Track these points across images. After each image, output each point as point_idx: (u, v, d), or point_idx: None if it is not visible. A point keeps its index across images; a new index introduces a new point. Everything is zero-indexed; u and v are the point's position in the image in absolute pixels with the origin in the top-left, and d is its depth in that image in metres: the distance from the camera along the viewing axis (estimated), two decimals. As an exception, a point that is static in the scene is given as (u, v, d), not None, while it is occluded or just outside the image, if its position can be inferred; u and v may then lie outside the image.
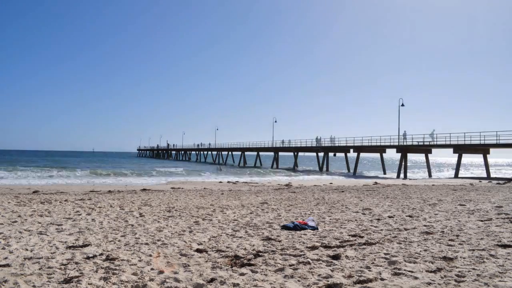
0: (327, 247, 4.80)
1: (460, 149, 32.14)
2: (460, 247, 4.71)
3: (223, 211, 8.47)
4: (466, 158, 48.34)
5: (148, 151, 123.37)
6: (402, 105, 37.08)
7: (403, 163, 34.72)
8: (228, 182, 23.04)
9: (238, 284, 3.31)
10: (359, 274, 3.57)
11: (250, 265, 3.95)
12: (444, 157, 59.94)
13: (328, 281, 3.39)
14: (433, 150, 36.20)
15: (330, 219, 7.23)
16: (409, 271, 3.65)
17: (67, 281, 3.37)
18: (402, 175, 33.98)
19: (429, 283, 3.30)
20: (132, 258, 4.21)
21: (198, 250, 4.60)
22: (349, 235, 5.56)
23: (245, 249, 4.69)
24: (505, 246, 4.70)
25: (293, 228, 6.11)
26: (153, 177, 29.01)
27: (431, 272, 3.64)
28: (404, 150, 35.15)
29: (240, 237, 5.48)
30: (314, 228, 6.14)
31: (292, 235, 5.60)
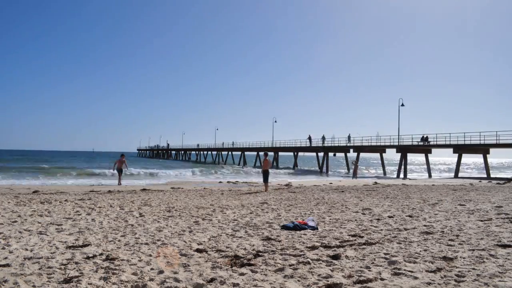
0: (327, 247, 4.79)
1: (460, 149, 32.15)
2: (460, 247, 4.71)
3: (223, 211, 8.47)
4: (466, 158, 48.29)
5: (148, 151, 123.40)
6: (402, 105, 37.10)
7: (403, 163, 34.72)
8: (228, 182, 23.04)
9: (238, 284, 3.31)
10: (359, 274, 3.56)
11: (250, 265, 3.94)
12: (444, 157, 59.93)
13: (328, 281, 3.39)
14: (433, 150, 36.21)
15: (330, 219, 7.22)
16: (409, 271, 3.65)
17: (67, 281, 3.37)
18: (402, 175, 33.97)
19: (429, 283, 3.30)
20: (132, 258, 4.21)
21: (198, 250, 4.60)
22: (349, 235, 5.56)
23: (245, 249, 4.69)
24: (505, 246, 4.69)
25: (293, 228, 6.11)
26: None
27: (431, 272, 3.64)
28: (404, 150, 35.14)
29: (240, 237, 5.48)
30: (314, 228, 6.14)
31: (292, 235, 5.60)
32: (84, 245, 4.83)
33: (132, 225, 6.48)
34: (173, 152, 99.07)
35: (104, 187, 17.11)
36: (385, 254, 4.38)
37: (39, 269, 3.74)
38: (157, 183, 22.94)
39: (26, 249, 4.60)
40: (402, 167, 34.65)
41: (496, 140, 29.58)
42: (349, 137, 42.32)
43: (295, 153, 50.72)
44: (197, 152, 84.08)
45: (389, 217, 7.50)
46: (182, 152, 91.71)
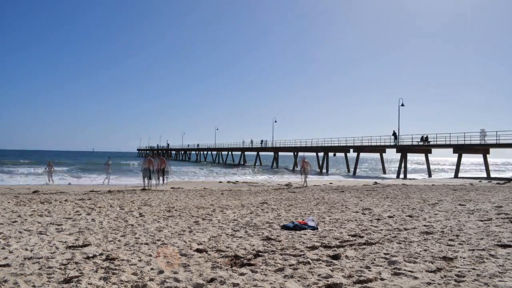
0: (327, 247, 4.79)
1: (460, 149, 32.13)
2: (460, 247, 4.71)
3: (223, 211, 8.47)
4: (466, 158, 48.30)
5: (148, 151, 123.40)
6: (402, 105, 37.06)
7: (403, 163, 34.69)
8: (228, 182, 23.04)
9: (238, 284, 3.31)
10: (359, 274, 3.56)
11: (250, 265, 3.94)
12: (444, 157, 59.91)
13: (328, 281, 3.39)
14: (433, 150, 36.18)
15: (330, 219, 7.22)
16: (409, 271, 3.65)
17: (67, 281, 3.37)
18: (402, 175, 33.96)
19: (429, 283, 3.30)
20: (132, 258, 4.21)
21: (198, 250, 4.60)
22: (349, 235, 5.56)
23: (245, 249, 4.69)
24: (505, 246, 4.69)
25: (293, 228, 6.11)
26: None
27: (431, 272, 3.64)
28: (404, 150, 35.12)
29: (240, 237, 5.48)
30: (314, 228, 6.14)
31: (292, 235, 5.60)
32: (84, 245, 4.83)
33: (132, 225, 6.48)
34: (173, 152, 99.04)
35: (104, 187, 17.12)
36: (385, 254, 4.38)
37: (39, 269, 3.74)
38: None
39: (26, 249, 4.60)
40: (402, 167, 34.62)
41: (496, 140, 29.59)
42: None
43: (295, 153, 50.69)
44: (197, 152, 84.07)
45: (389, 217, 7.50)
46: (182, 152, 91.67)
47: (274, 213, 8.17)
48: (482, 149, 31.99)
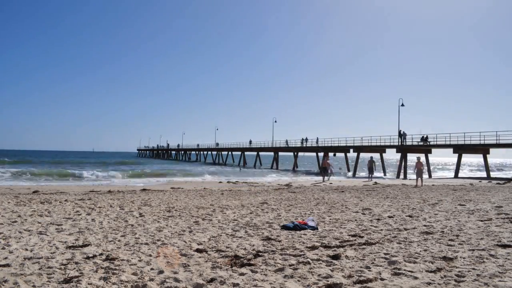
0: (327, 247, 4.79)
1: (460, 149, 32.12)
2: (460, 247, 4.71)
3: (223, 211, 8.47)
4: (466, 158, 48.28)
5: (148, 151, 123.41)
6: (402, 105, 37.04)
7: (403, 163, 34.67)
8: (228, 182, 23.03)
9: (238, 284, 3.31)
10: (359, 274, 3.56)
11: (250, 265, 3.94)
12: (444, 157, 59.86)
13: (328, 281, 3.39)
14: (433, 150, 36.17)
15: (330, 219, 7.22)
16: (409, 271, 3.65)
17: (67, 281, 3.37)
18: (402, 175, 33.94)
19: (429, 283, 3.30)
20: (132, 258, 4.21)
21: (198, 250, 4.60)
22: (349, 235, 5.56)
23: (245, 249, 4.69)
24: (505, 246, 4.69)
25: (293, 228, 6.11)
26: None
27: (431, 272, 3.64)
28: (404, 150, 35.11)
29: (240, 237, 5.48)
30: (314, 228, 6.14)
31: (292, 235, 5.60)
32: (84, 245, 4.83)
33: (132, 225, 6.48)
34: (173, 152, 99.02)
35: (104, 187, 17.12)
36: (385, 254, 4.38)
37: (39, 269, 3.74)
38: (157, 183, 22.94)
39: (26, 249, 4.60)
40: (402, 167, 34.61)
41: (496, 140, 29.58)
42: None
43: (295, 153, 50.68)
44: (197, 152, 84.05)
45: (389, 217, 7.50)
46: (182, 152, 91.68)
47: (274, 213, 8.17)
48: (482, 149, 31.98)
